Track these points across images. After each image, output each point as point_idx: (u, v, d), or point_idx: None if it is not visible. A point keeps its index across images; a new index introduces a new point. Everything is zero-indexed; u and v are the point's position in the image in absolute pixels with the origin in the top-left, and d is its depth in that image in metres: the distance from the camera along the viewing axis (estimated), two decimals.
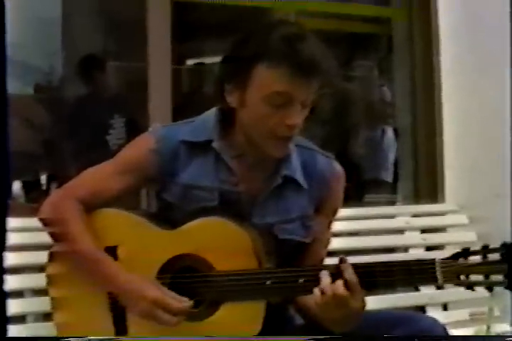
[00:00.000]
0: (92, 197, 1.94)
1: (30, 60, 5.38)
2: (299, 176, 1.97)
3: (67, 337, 1.91)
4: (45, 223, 1.98)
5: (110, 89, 4.41)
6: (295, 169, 1.96)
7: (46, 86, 5.51)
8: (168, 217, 1.96)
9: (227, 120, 1.95)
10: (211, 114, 1.98)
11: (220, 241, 1.86)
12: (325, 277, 1.76)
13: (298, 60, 1.76)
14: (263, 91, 1.80)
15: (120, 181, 1.95)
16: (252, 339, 1.85)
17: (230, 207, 1.91)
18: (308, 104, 1.84)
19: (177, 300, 1.82)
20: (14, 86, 5.22)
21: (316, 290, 1.76)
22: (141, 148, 1.97)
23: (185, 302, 1.82)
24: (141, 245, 1.91)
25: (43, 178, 4.06)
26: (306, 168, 1.98)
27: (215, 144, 1.92)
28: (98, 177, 1.97)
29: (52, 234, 1.97)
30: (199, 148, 1.93)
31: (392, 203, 3.94)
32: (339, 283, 1.74)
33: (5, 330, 1.22)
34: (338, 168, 2.04)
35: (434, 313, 2.69)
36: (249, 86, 1.82)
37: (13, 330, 2.22)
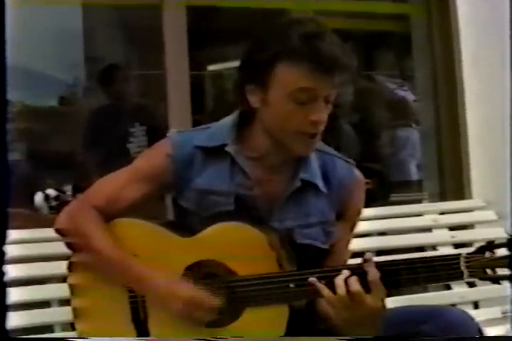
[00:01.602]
0: (109, 205, 1.93)
1: (54, 72, 5.41)
2: (319, 180, 1.95)
3: (68, 338, 1.90)
4: (63, 234, 1.97)
5: (131, 98, 4.42)
6: (314, 173, 1.95)
7: (70, 98, 5.53)
8: (186, 223, 1.95)
9: (245, 123, 1.94)
10: (228, 119, 1.98)
11: (239, 246, 1.85)
12: (342, 275, 1.75)
13: (318, 57, 1.75)
14: (287, 89, 1.80)
15: (138, 188, 1.94)
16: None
17: (247, 211, 1.90)
18: (331, 100, 1.83)
19: (207, 297, 1.83)
20: (39, 98, 5.27)
21: (326, 289, 1.74)
22: (157, 154, 1.97)
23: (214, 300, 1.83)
24: (160, 253, 1.89)
25: (68, 189, 4.07)
26: (325, 172, 1.97)
27: (229, 148, 1.91)
28: (115, 184, 1.96)
29: (70, 244, 1.96)
30: (214, 153, 1.92)
31: (419, 201, 3.89)
32: (353, 280, 1.73)
33: (5, 330, 1.21)
34: (358, 174, 2.02)
35: None
36: (271, 85, 1.82)
37: None
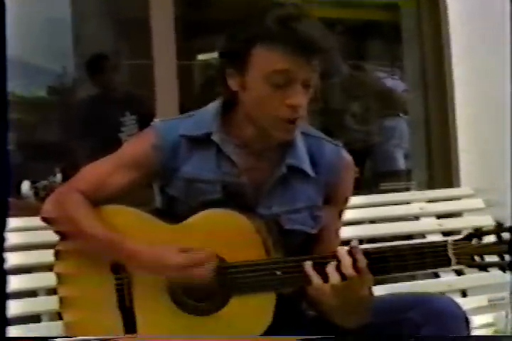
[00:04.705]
0: (94, 192, 1.93)
1: (43, 62, 5.39)
2: (306, 165, 1.94)
3: (67, 337, 1.90)
4: (50, 221, 1.96)
5: (120, 88, 4.41)
6: (301, 158, 1.94)
7: (59, 88, 5.51)
8: (174, 211, 1.94)
9: (229, 110, 1.93)
10: (211, 106, 1.97)
11: (226, 233, 1.84)
12: (333, 263, 1.74)
13: (294, 39, 1.74)
14: (262, 71, 1.79)
15: (123, 175, 1.94)
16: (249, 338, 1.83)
17: (235, 199, 1.89)
18: (310, 85, 1.81)
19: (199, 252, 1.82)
20: (27, 89, 5.24)
21: (316, 276, 1.73)
22: (142, 143, 1.96)
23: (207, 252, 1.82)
24: (147, 241, 1.88)
25: (58, 177, 4.05)
26: (313, 156, 1.95)
27: (214, 136, 1.90)
28: (101, 171, 1.96)
29: (59, 231, 1.95)
30: (199, 141, 1.91)
31: (407, 190, 3.90)
32: (348, 265, 1.71)
33: (4, 330, 1.21)
34: (346, 156, 2.01)
35: None
36: (248, 68, 1.81)
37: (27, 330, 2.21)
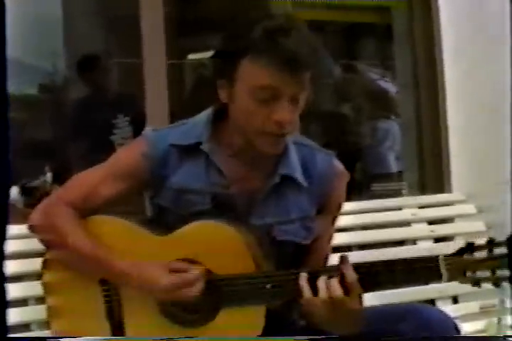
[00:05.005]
0: (84, 202, 1.91)
1: (33, 60, 5.37)
2: (299, 175, 1.92)
3: (65, 337, 1.89)
4: (36, 230, 1.95)
5: (112, 89, 4.38)
6: (294, 167, 1.92)
7: (50, 86, 5.50)
8: (164, 221, 1.92)
9: (221, 119, 1.91)
10: (203, 115, 1.95)
11: (214, 245, 1.82)
12: (323, 278, 1.73)
13: (280, 53, 1.70)
14: (248, 86, 1.76)
15: (113, 186, 1.92)
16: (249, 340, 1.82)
17: (224, 209, 1.87)
18: (299, 100, 1.78)
19: (188, 271, 1.79)
20: (17, 86, 5.22)
21: (308, 292, 1.72)
22: (132, 152, 1.95)
23: (196, 270, 1.79)
24: (136, 252, 1.86)
25: (48, 176, 4.04)
26: (305, 166, 1.94)
27: (203, 146, 1.88)
28: (91, 181, 1.94)
29: (44, 241, 1.94)
30: (189, 151, 1.90)
31: (399, 192, 3.89)
32: (334, 284, 1.71)
33: (4, 331, 1.20)
34: (339, 165, 1.99)
35: (444, 307, 2.63)
36: (236, 80, 1.78)
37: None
